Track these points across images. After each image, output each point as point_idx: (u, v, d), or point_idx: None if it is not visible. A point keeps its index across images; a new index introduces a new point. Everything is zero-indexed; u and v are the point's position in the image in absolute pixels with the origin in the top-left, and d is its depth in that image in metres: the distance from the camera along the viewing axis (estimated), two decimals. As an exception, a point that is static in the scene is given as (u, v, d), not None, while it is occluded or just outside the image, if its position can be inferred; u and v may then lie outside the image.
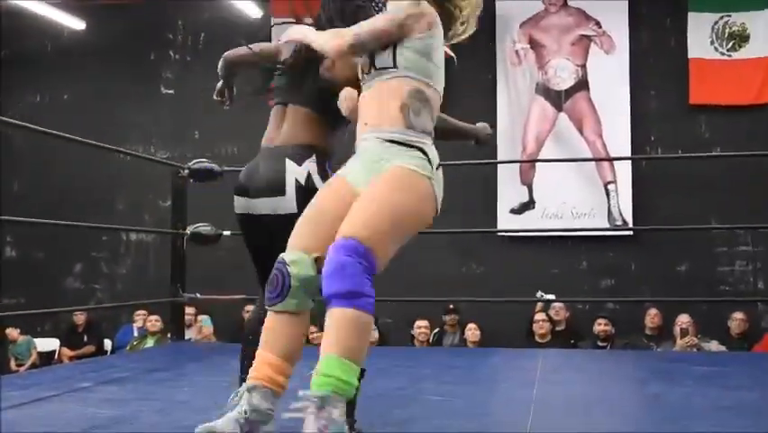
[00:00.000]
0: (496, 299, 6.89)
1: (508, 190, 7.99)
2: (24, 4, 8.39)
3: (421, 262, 7.75)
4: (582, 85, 7.96)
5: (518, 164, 7.95)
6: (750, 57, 7.66)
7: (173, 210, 4.99)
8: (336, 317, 1.85)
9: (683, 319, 6.65)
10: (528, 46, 8.06)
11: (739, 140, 7.44)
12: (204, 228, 4.81)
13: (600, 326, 6.95)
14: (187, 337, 5.86)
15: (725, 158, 6.87)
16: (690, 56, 7.74)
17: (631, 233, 7.81)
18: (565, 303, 7.38)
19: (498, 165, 7.93)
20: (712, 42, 7.72)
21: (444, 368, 4.06)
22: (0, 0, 8.03)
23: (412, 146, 2.07)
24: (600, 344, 6.86)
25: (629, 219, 7.70)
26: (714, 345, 6.56)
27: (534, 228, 7.86)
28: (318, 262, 1.98)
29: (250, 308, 7.97)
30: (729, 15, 7.70)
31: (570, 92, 7.98)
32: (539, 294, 7.12)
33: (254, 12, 8.48)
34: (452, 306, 7.51)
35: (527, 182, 7.96)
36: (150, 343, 7.44)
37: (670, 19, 7.93)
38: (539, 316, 7.08)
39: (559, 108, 7.99)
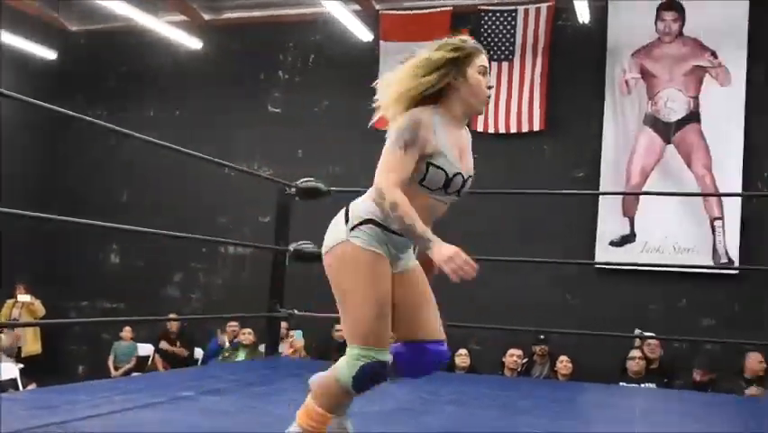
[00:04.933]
0: (590, 331, 6.71)
1: (609, 222, 7.82)
2: (149, 24, 8.73)
3: (514, 289, 7.64)
4: (693, 117, 7.73)
5: (621, 196, 7.77)
6: None
7: (277, 226, 5.04)
8: None
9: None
10: (639, 76, 7.90)
11: None
12: (306, 246, 4.85)
13: (699, 375, 6.76)
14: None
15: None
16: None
17: (737, 272, 7.50)
18: (662, 341, 7.13)
19: (600, 196, 7.78)
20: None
21: (542, 400, 3.98)
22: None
23: None
24: (698, 382, 6.69)
25: (735, 258, 7.42)
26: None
27: (633, 262, 7.65)
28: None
29: (338, 326, 8.01)
30: None
31: (680, 124, 7.76)
32: (637, 332, 6.91)
33: (365, 35, 8.60)
34: (542, 336, 7.36)
35: (630, 215, 7.78)
36: (241, 355, 7.55)
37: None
38: (635, 352, 6.89)
39: (667, 140, 7.78)
